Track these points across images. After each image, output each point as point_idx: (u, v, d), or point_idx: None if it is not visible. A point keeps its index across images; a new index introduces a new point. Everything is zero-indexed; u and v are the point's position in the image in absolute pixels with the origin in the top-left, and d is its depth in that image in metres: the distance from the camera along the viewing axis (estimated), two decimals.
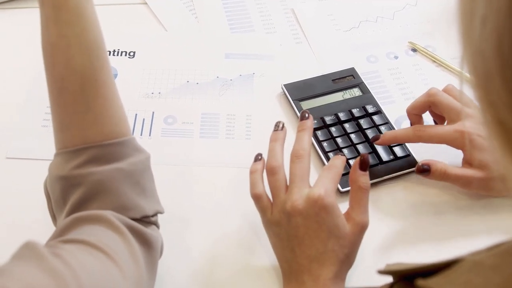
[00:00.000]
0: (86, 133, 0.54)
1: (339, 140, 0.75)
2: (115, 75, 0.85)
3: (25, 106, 0.80)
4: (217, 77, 0.86)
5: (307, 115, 0.65)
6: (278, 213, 0.59)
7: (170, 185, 0.72)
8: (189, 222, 0.69)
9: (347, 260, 0.58)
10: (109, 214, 0.52)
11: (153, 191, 0.58)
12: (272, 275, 0.64)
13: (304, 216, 0.57)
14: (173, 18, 0.95)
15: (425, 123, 0.74)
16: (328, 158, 0.73)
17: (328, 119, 0.77)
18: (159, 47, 0.90)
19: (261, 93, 0.84)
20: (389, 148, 0.74)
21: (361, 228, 0.59)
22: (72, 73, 0.53)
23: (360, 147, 0.74)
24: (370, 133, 0.75)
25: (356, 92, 0.81)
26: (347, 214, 0.60)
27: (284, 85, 0.82)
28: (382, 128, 0.76)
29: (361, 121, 0.77)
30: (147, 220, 0.55)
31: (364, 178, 0.60)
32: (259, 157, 0.64)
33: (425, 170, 0.67)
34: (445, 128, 0.69)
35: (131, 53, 0.88)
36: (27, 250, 0.45)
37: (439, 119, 0.73)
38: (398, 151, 0.74)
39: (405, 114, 0.74)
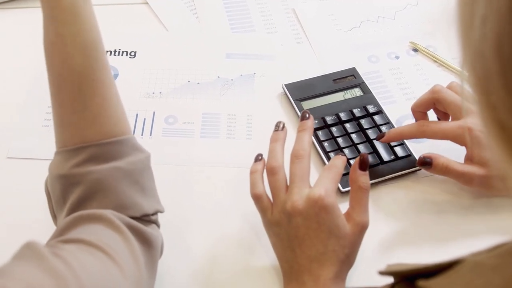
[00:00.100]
0: (84, 132, 0.54)
1: (340, 140, 0.75)
2: (116, 75, 0.85)
3: (26, 106, 0.80)
4: (218, 77, 0.86)
5: (307, 115, 0.65)
6: (278, 213, 0.59)
7: (171, 185, 0.72)
8: (189, 222, 0.69)
9: (347, 260, 0.58)
10: (109, 213, 0.52)
11: (153, 190, 0.58)
12: (272, 275, 0.64)
13: (304, 216, 0.57)
14: (174, 18, 0.95)
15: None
16: (329, 158, 0.73)
17: (329, 119, 0.77)
18: (160, 47, 0.90)
19: (262, 93, 0.84)
20: (390, 148, 0.74)
21: (362, 228, 0.59)
22: (69, 72, 0.54)
23: (361, 147, 0.74)
24: (371, 133, 0.75)
25: (357, 92, 0.81)
26: (347, 214, 0.60)
27: (285, 85, 0.82)
28: (383, 128, 0.76)
29: (362, 121, 0.77)
30: (147, 219, 0.55)
31: (364, 178, 0.60)
32: (260, 158, 0.64)
33: (427, 163, 0.67)
34: (449, 124, 0.68)
35: (132, 53, 0.88)
36: (28, 250, 0.45)
37: (443, 116, 0.73)
38: (399, 151, 0.74)
39: (406, 114, 0.74)
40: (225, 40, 0.91)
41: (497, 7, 0.27)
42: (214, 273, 0.65)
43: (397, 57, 0.89)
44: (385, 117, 0.78)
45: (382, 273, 0.45)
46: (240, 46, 0.90)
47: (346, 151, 0.74)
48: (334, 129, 0.76)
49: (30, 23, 0.90)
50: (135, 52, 0.88)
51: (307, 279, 0.57)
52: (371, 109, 0.78)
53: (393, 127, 0.77)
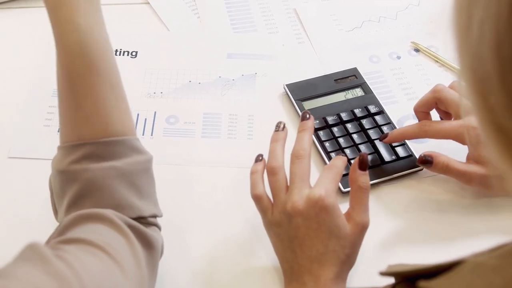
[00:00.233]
0: (79, 129, 0.54)
1: (341, 140, 0.75)
2: None
3: (27, 106, 0.80)
4: (219, 77, 0.85)
5: (308, 115, 0.65)
6: (279, 214, 0.59)
7: (172, 185, 0.72)
8: (189, 222, 0.69)
9: (348, 260, 0.58)
10: (111, 213, 0.52)
11: (151, 193, 0.58)
12: (273, 275, 0.64)
13: (304, 216, 0.57)
14: (176, 18, 0.95)
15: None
16: (330, 158, 0.73)
17: (330, 119, 0.77)
18: (162, 47, 0.90)
19: (263, 93, 0.83)
20: (391, 149, 0.74)
21: (362, 228, 0.59)
22: (62, 72, 0.55)
23: (362, 147, 0.74)
24: (372, 133, 0.75)
25: (358, 92, 0.81)
26: (348, 214, 0.59)
27: (286, 85, 0.82)
28: (384, 128, 0.76)
29: (364, 121, 0.76)
30: (144, 221, 0.55)
31: (363, 177, 0.60)
32: (260, 158, 0.64)
33: (427, 161, 0.67)
34: (451, 124, 0.68)
35: (133, 53, 0.88)
36: (30, 252, 0.45)
37: (445, 116, 0.73)
38: (400, 151, 0.74)
39: (408, 114, 0.74)
40: (227, 40, 0.91)
41: (496, 9, 0.27)
42: (215, 273, 0.64)
43: (398, 57, 0.89)
44: (386, 117, 0.77)
45: (383, 273, 0.45)
46: (242, 46, 0.90)
47: (347, 151, 0.74)
48: (335, 129, 0.76)
49: (30, 23, 0.90)
50: (136, 52, 0.88)
51: (308, 280, 0.57)
52: (373, 109, 0.78)
53: (395, 127, 0.76)
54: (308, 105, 0.79)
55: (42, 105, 0.80)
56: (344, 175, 0.67)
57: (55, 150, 0.56)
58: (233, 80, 0.85)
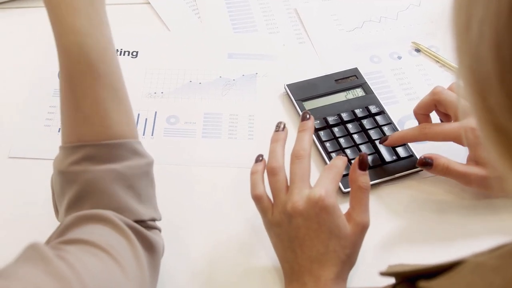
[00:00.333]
0: (78, 130, 0.54)
1: (342, 140, 0.75)
2: None
3: (27, 106, 0.80)
4: (220, 77, 0.85)
5: (308, 115, 0.65)
6: (279, 214, 0.59)
7: (172, 185, 0.72)
8: (189, 222, 0.69)
9: (348, 260, 0.58)
10: (112, 214, 0.52)
11: (150, 197, 0.57)
12: (273, 275, 0.64)
13: (304, 217, 0.57)
14: (176, 18, 0.95)
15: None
16: (330, 159, 0.73)
17: (331, 120, 0.77)
18: (162, 47, 0.90)
19: (264, 93, 0.83)
20: (392, 149, 0.74)
21: (362, 228, 0.59)
22: (62, 72, 0.55)
23: (363, 148, 0.74)
24: (373, 134, 0.75)
25: (359, 92, 0.81)
26: (348, 214, 0.59)
27: (287, 85, 0.82)
28: (385, 128, 0.76)
29: (364, 122, 0.76)
30: (144, 224, 0.55)
31: (363, 177, 0.60)
32: (260, 158, 0.64)
33: (427, 164, 0.67)
34: (451, 125, 0.68)
35: (134, 53, 0.88)
36: (32, 252, 0.45)
37: (445, 118, 0.73)
38: (401, 151, 0.73)
39: (408, 114, 0.74)
40: (227, 40, 0.91)
41: (496, 9, 0.27)
42: (215, 273, 0.64)
43: (399, 57, 0.89)
44: (387, 117, 0.77)
45: (383, 273, 0.45)
46: (242, 46, 0.90)
47: (348, 151, 0.74)
48: (336, 129, 0.76)
49: (30, 23, 0.90)
50: (137, 52, 0.88)
51: (308, 280, 0.57)
52: (373, 109, 0.78)
53: (395, 127, 0.76)
54: (309, 105, 0.79)
55: (43, 105, 0.80)
56: (345, 175, 0.67)
57: (56, 150, 0.56)
58: (234, 80, 0.85)
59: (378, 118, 0.77)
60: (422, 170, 0.72)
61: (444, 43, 0.89)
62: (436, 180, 0.72)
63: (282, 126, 0.65)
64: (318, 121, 0.76)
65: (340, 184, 0.70)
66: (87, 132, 0.54)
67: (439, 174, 0.67)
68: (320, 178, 0.60)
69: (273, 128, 0.65)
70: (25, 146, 0.76)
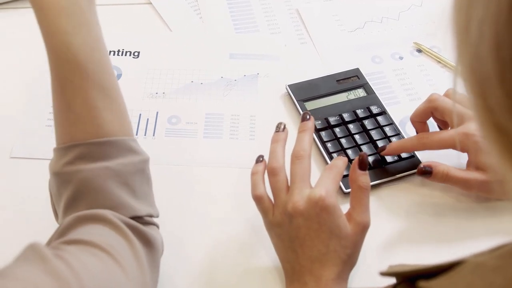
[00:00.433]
0: (71, 130, 0.54)
1: (343, 140, 0.75)
2: (119, 75, 0.85)
3: (29, 106, 0.80)
4: (221, 77, 0.86)
5: (308, 116, 0.65)
6: (280, 214, 0.59)
7: (173, 185, 0.72)
8: (190, 222, 0.69)
9: (349, 260, 0.58)
10: (110, 214, 0.52)
11: (146, 193, 0.57)
12: (274, 275, 0.64)
13: (305, 217, 0.57)
14: (178, 18, 0.95)
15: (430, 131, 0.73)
16: (332, 159, 0.73)
17: (332, 120, 0.77)
18: (164, 47, 0.90)
19: (265, 93, 0.83)
20: None
21: (363, 228, 0.59)
22: (52, 74, 0.55)
23: (364, 148, 0.74)
24: (374, 134, 0.75)
25: (360, 92, 0.81)
26: (348, 214, 0.59)
27: (288, 85, 0.82)
28: (387, 129, 0.76)
29: (366, 122, 0.76)
30: (141, 221, 0.55)
31: (363, 177, 0.60)
32: (260, 159, 0.64)
33: (427, 172, 0.67)
34: (449, 133, 0.68)
35: (136, 53, 0.88)
36: (31, 252, 0.45)
37: (443, 124, 0.73)
38: None
39: (410, 115, 0.74)
40: (229, 40, 0.91)
41: (495, 9, 0.27)
42: (215, 273, 0.64)
43: (401, 58, 0.89)
44: (388, 118, 0.77)
45: (384, 274, 0.45)
46: (244, 47, 0.90)
47: (349, 151, 0.74)
48: (337, 129, 0.76)
49: (30, 23, 0.89)
50: (138, 52, 0.88)
51: (309, 280, 0.57)
52: (375, 110, 0.78)
53: (397, 128, 0.76)
54: (310, 105, 0.79)
55: (44, 105, 0.80)
56: (345, 176, 0.67)
57: None
58: (235, 80, 0.85)
59: (379, 118, 0.77)
60: None
61: (445, 44, 0.89)
62: None
63: (282, 126, 0.65)
64: (320, 122, 0.76)
65: (341, 185, 0.70)
66: (79, 131, 0.54)
67: (439, 181, 0.67)
68: (320, 178, 0.60)
69: (274, 128, 0.65)
70: (27, 146, 0.76)
